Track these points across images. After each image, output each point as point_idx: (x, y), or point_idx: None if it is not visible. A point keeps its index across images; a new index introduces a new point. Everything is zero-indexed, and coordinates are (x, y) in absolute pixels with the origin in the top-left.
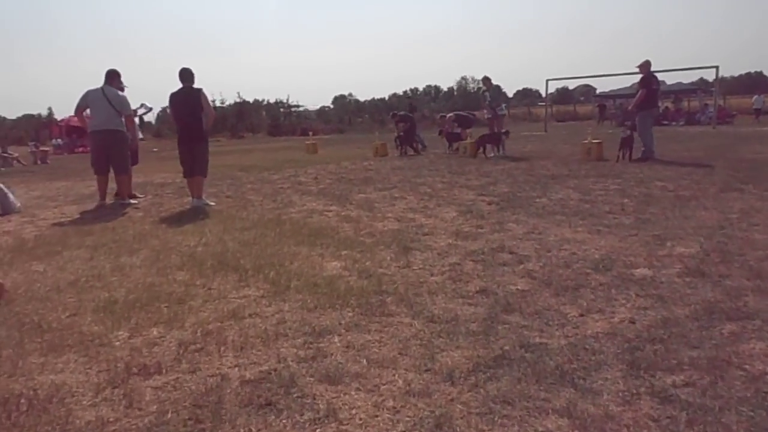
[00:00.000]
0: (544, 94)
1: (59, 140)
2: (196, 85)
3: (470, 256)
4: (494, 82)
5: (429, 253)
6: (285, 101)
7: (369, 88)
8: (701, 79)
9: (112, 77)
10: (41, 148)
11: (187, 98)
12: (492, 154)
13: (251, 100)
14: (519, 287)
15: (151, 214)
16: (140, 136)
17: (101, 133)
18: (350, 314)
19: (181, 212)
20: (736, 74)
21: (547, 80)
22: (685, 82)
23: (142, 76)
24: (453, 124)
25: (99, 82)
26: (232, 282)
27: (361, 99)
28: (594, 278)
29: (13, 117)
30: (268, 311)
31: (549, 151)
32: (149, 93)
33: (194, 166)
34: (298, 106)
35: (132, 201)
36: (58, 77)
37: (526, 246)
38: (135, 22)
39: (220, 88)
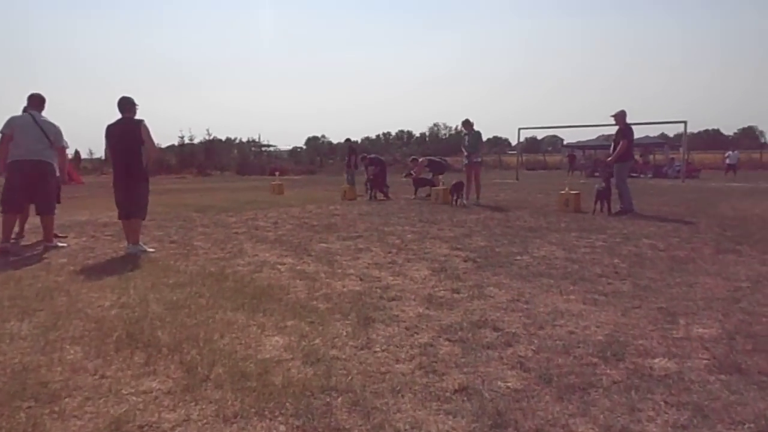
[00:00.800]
0: (514, 143)
1: None
2: (138, 117)
3: (446, 333)
4: (475, 127)
5: (395, 326)
6: (256, 140)
7: (342, 131)
8: (662, 134)
9: (39, 103)
10: None
11: (126, 131)
12: (464, 202)
13: (223, 138)
14: (510, 385)
15: (74, 261)
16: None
17: (28, 164)
18: (282, 429)
19: (111, 260)
20: (696, 131)
21: (519, 129)
22: (651, 135)
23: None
24: (425, 169)
25: (79, 112)
26: (136, 366)
27: (334, 141)
28: (605, 373)
29: None
30: (169, 420)
31: (524, 201)
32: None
33: (131, 207)
34: (269, 146)
35: (60, 244)
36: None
37: (513, 320)
38: (108, 56)
39: (189, 125)
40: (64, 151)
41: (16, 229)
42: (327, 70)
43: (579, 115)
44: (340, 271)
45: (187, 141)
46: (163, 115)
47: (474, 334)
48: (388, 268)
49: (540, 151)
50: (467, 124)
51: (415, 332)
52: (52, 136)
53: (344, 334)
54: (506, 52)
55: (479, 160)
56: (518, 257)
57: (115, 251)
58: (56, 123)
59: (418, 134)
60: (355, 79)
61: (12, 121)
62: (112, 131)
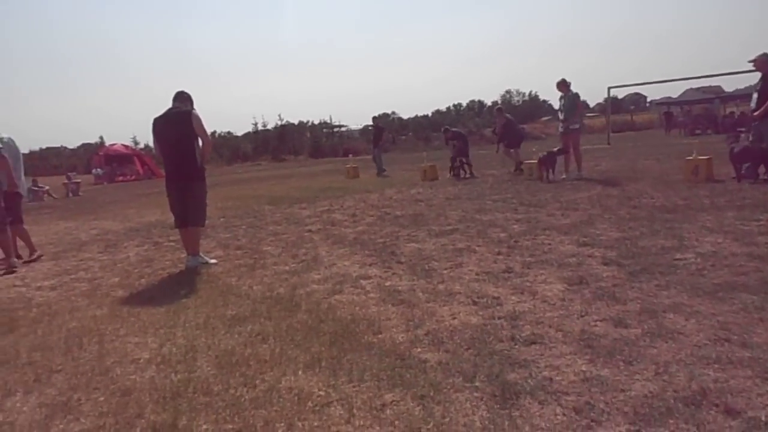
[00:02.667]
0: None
1: (99, 170)
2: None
3: (648, 425)
4: (580, 85)
5: (554, 406)
6: (328, 122)
7: (412, 107)
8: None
9: None
10: (74, 180)
11: (176, 123)
12: (563, 176)
13: (296, 122)
14: None
15: (126, 282)
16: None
17: None
18: None
19: (166, 279)
20: None
21: (609, 87)
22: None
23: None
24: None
25: (151, 103)
26: None
27: (405, 117)
28: None
29: (73, 146)
30: None
31: (633, 170)
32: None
33: (187, 214)
34: (340, 126)
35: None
36: (109, 104)
37: (751, 389)
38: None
39: (262, 112)
40: (5, 158)
41: None
42: (388, 47)
43: (632, 74)
44: (442, 286)
45: (261, 127)
46: (237, 105)
47: (700, 425)
48: (505, 280)
49: (623, 110)
50: (563, 85)
51: (594, 421)
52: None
53: (477, 425)
54: (556, 14)
55: (578, 126)
56: (677, 255)
57: (174, 264)
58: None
59: (490, 103)
60: (418, 54)
61: None
62: (158, 125)
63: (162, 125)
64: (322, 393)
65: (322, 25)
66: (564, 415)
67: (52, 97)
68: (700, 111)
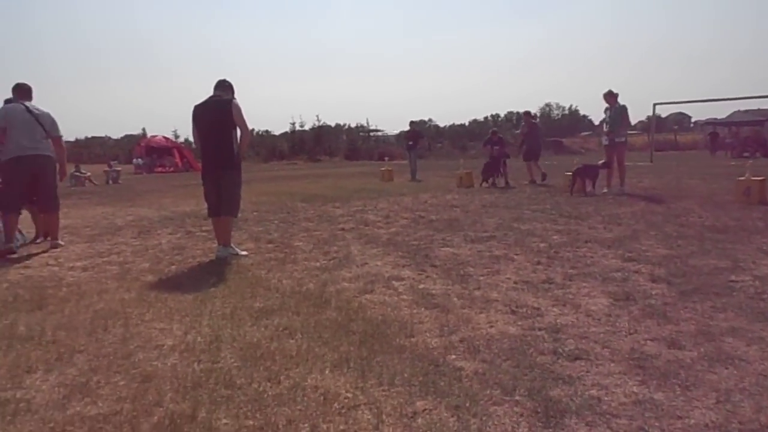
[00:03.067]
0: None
1: (140, 160)
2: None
3: None
4: (620, 100)
5: (604, 429)
6: (364, 125)
7: (449, 115)
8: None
9: (27, 92)
10: (114, 168)
11: (216, 111)
12: (604, 190)
13: (332, 124)
14: None
15: (157, 267)
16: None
17: (26, 160)
18: None
19: (195, 267)
20: None
21: (655, 104)
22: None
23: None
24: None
25: (193, 98)
26: None
27: (441, 125)
28: None
29: (117, 137)
30: None
31: (677, 188)
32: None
33: (220, 203)
34: (377, 131)
35: (61, 243)
36: (152, 98)
37: None
38: (231, 44)
39: (300, 112)
40: (61, 141)
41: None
42: (428, 55)
43: (673, 92)
44: (478, 293)
45: (298, 128)
46: (276, 105)
47: None
48: (545, 291)
49: (665, 129)
50: (610, 96)
51: None
52: (47, 126)
53: None
54: (594, 30)
55: (624, 140)
56: (732, 277)
57: (205, 253)
58: (50, 111)
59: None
60: (457, 62)
61: (4, 113)
62: (199, 112)
63: (202, 112)
64: (349, 395)
65: (361, 30)
66: None
67: (95, 90)
68: (749, 133)
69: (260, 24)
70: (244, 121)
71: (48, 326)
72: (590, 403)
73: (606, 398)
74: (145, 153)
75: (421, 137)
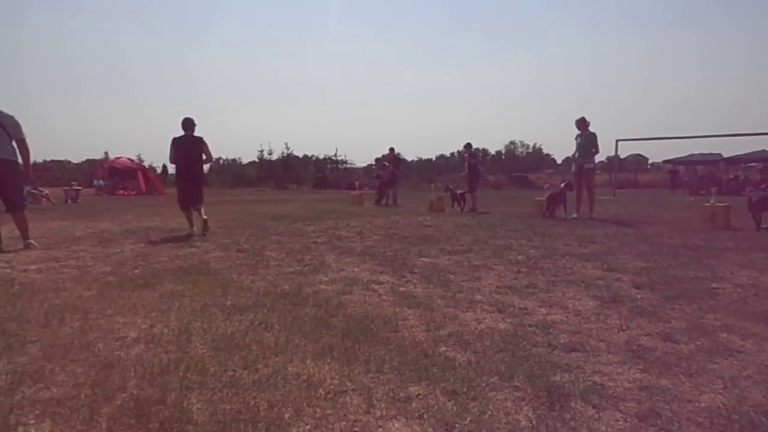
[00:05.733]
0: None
1: (101, 181)
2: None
3: None
4: (591, 128)
5: (613, 411)
6: (333, 156)
7: (415, 150)
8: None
9: None
10: (74, 188)
11: (191, 145)
12: (574, 215)
13: (300, 155)
14: None
15: (120, 270)
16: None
17: None
18: None
19: (161, 270)
20: None
21: (617, 140)
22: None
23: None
24: (462, 183)
25: (159, 123)
26: None
27: (408, 158)
28: None
29: (78, 161)
30: None
31: (644, 216)
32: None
33: (195, 200)
34: (345, 162)
35: (34, 243)
36: (116, 123)
37: None
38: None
39: (269, 140)
40: (26, 143)
41: None
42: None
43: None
44: (461, 295)
45: (266, 156)
46: (245, 132)
47: None
48: (529, 294)
49: (625, 170)
50: (582, 123)
51: (663, 429)
52: (10, 129)
53: (524, 424)
54: (575, 73)
55: (592, 166)
56: (714, 284)
57: (171, 260)
58: (12, 114)
59: (494, 152)
60: (426, 99)
61: None
62: (178, 144)
63: (180, 145)
64: (335, 381)
65: (333, 66)
66: (626, 421)
67: (59, 111)
68: (704, 172)
69: (230, 52)
70: (210, 153)
71: (1, 318)
72: (594, 388)
73: (610, 384)
74: (108, 175)
75: (401, 163)
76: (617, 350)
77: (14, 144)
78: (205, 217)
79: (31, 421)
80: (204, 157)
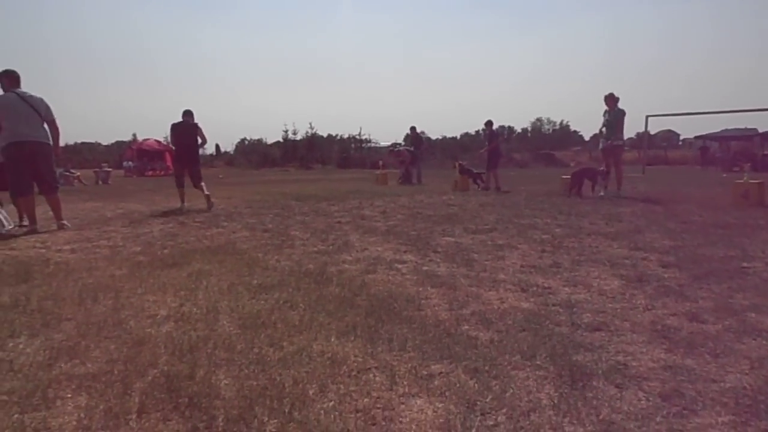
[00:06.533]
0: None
1: (130, 162)
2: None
3: (755, 417)
4: (620, 105)
5: (635, 390)
6: (357, 136)
7: (441, 129)
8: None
9: (16, 80)
10: (104, 169)
11: (187, 129)
12: (601, 193)
13: (324, 135)
14: None
15: (149, 250)
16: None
17: (28, 146)
18: None
19: (190, 251)
20: None
21: (647, 116)
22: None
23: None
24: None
25: (185, 104)
26: None
27: (433, 137)
28: None
29: (107, 143)
30: None
31: (673, 194)
32: (234, 127)
33: (194, 179)
34: (369, 141)
35: (67, 224)
36: (144, 104)
37: None
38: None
39: (293, 120)
40: (56, 123)
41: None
42: (421, 70)
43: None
44: (485, 274)
45: (291, 136)
46: (270, 112)
47: None
48: (554, 274)
49: (654, 146)
50: (611, 99)
51: (686, 409)
52: (43, 111)
53: (545, 402)
54: (588, 49)
55: (621, 143)
56: (744, 263)
57: (198, 239)
58: (42, 96)
59: (519, 129)
60: (451, 78)
61: None
62: (177, 128)
63: (178, 130)
64: (359, 359)
65: (356, 44)
66: (648, 400)
67: (87, 95)
68: (738, 148)
69: (254, 33)
70: (204, 135)
71: (33, 296)
72: (617, 368)
73: (633, 363)
74: (136, 156)
75: (422, 142)
76: (642, 330)
77: (46, 126)
78: (207, 193)
79: (68, 395)
80: (199, 140)
